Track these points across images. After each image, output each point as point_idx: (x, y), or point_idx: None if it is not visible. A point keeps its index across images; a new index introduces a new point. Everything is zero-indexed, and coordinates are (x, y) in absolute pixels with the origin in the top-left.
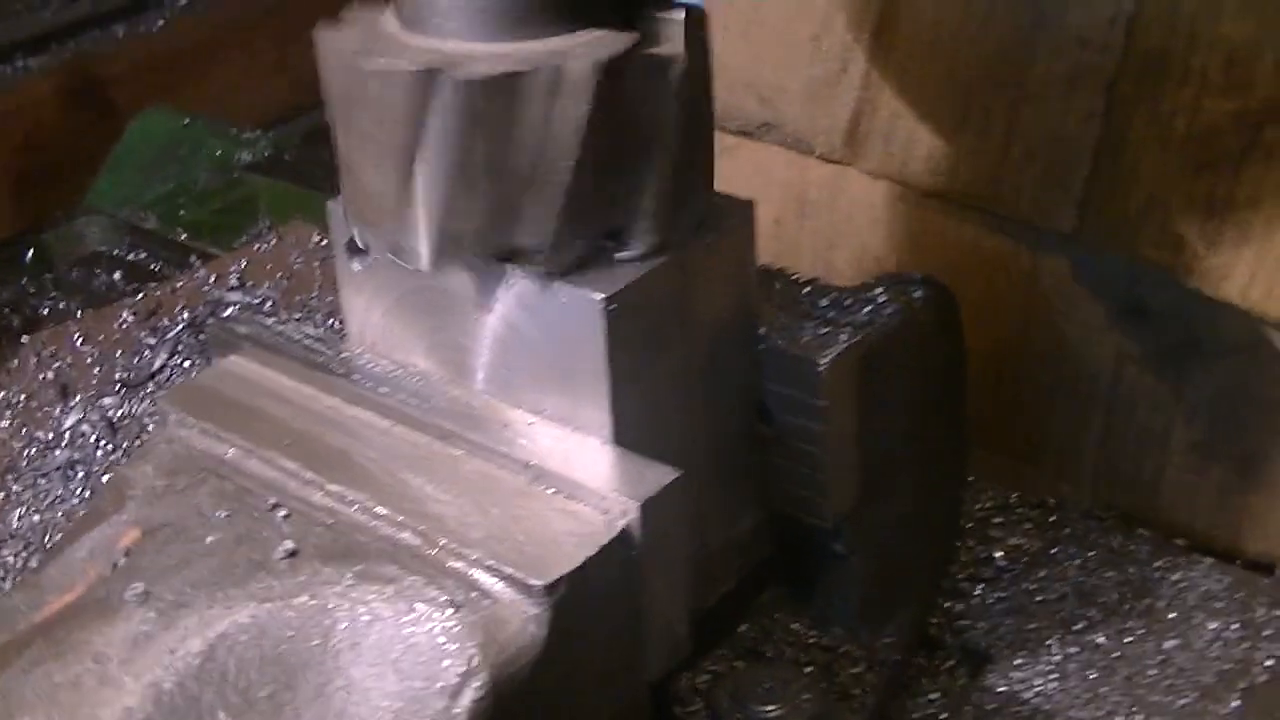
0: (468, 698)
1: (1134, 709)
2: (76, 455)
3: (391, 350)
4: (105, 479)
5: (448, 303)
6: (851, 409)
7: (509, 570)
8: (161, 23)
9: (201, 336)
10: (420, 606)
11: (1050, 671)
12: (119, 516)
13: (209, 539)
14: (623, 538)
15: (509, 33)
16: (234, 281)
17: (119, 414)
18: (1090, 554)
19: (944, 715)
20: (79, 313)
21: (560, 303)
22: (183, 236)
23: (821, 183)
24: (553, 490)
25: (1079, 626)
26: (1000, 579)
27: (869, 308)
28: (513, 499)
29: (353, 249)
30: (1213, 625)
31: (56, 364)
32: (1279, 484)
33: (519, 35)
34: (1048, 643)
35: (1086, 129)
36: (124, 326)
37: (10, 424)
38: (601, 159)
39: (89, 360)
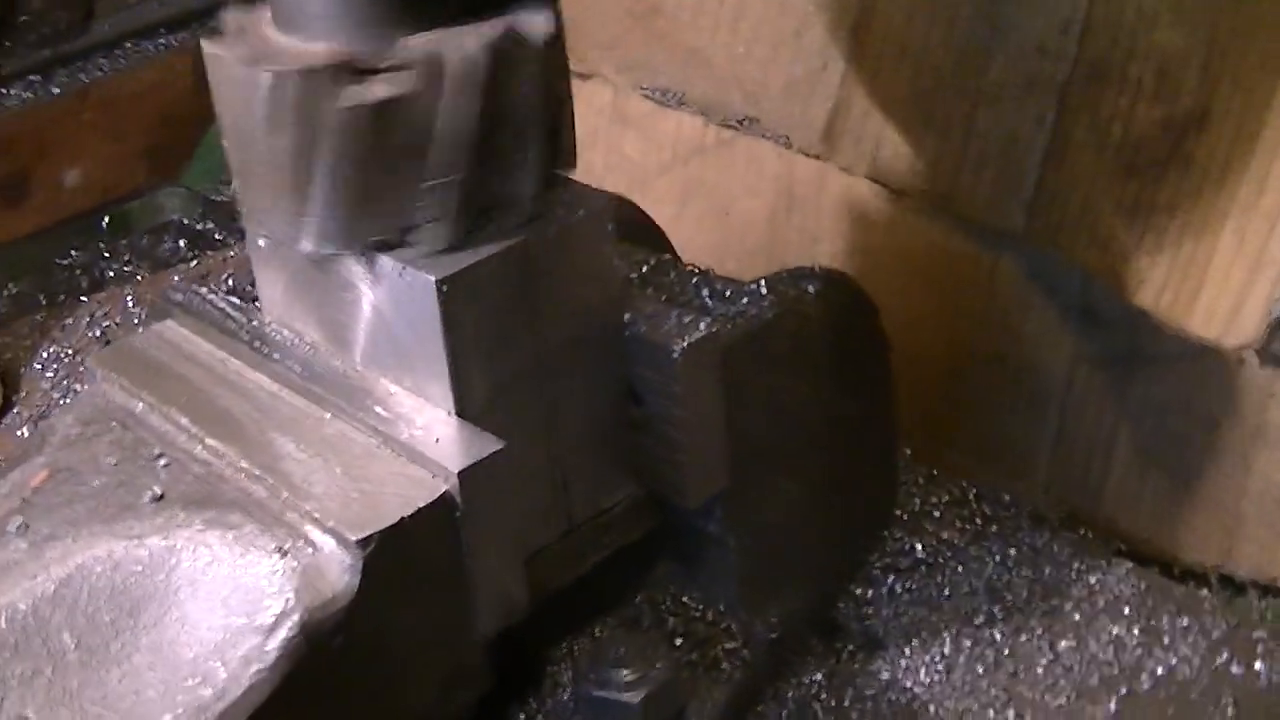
0: (280, 635)
1: (1009, 704)
2: None
3: (291, 321)
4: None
5: (330, 283)
6: (714, 396)
7: (332, 524)
8: None
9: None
10: (253, 551)
11: (936, 662)
12: (37, 459)
13: (95, 482)
14: (443, 501)
15: (388, 30)
16: None
17: None
18: (1012, 551)
19: (823, 696)
20: (138, 277)
21: (405, 284)
22: None
23: (807, 178)
24: (396, 454)
25: (979, 621)
26: (916, 570)
27: (747, 299)
28: (359, 460)
29: None
30: (1114, 629)
31: (106, 323)
32: (1215, 498)
33: (398, 32)
34: (942, 635)
35: (1037, 133)
36: None
37: (54, 376)
38: (471, 147)
39: (136, 321)
